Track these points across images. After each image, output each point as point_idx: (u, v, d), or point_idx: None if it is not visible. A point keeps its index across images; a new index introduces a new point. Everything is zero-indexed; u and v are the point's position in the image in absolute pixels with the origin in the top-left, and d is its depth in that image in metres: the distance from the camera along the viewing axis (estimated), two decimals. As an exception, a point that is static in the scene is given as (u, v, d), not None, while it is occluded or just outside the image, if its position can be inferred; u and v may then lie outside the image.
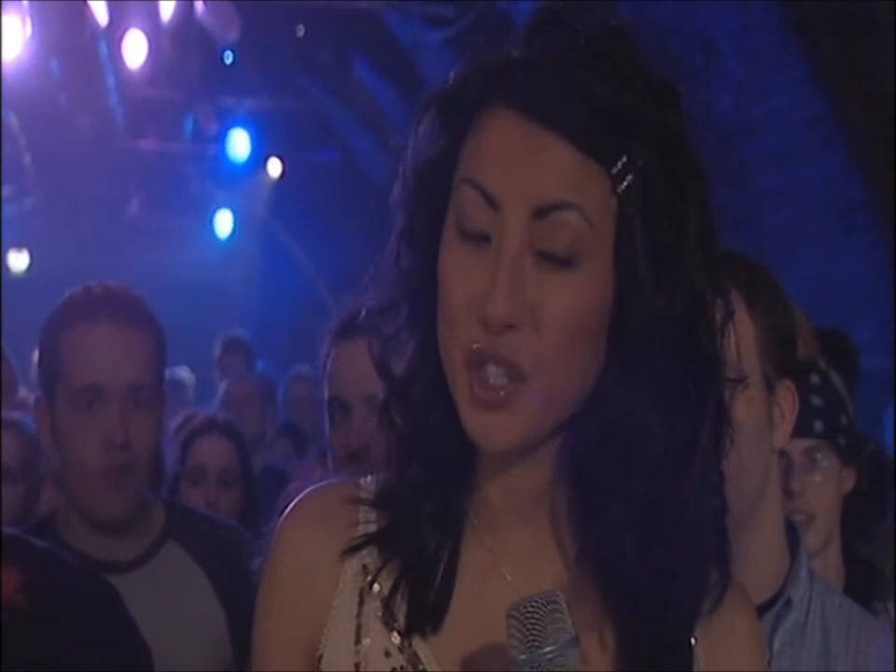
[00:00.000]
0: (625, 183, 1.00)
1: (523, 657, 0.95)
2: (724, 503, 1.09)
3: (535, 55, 1.03)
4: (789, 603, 1.57)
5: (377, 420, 1.10)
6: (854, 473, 2.19)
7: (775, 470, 1.62)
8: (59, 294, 2.16)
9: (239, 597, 1.98)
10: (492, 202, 1.00)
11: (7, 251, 10.31)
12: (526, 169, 0.99)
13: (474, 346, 1.00)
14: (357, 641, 1.06)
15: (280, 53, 8.02)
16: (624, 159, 1.00)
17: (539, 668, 0.95)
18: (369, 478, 1.13)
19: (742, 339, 1.50)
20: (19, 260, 10.72)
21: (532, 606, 0.96)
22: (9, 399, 3.58)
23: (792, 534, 1.64)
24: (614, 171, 1.00)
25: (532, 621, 0.95)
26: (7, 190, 8.53)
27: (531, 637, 0.95)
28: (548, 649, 0.95)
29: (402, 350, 1.08)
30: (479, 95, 1.04)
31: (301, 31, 7.83)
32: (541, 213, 0.99)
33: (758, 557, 1.53)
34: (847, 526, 2.17)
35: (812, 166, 6.26)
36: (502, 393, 1.00)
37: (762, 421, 1.54)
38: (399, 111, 8.17)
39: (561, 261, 0.99)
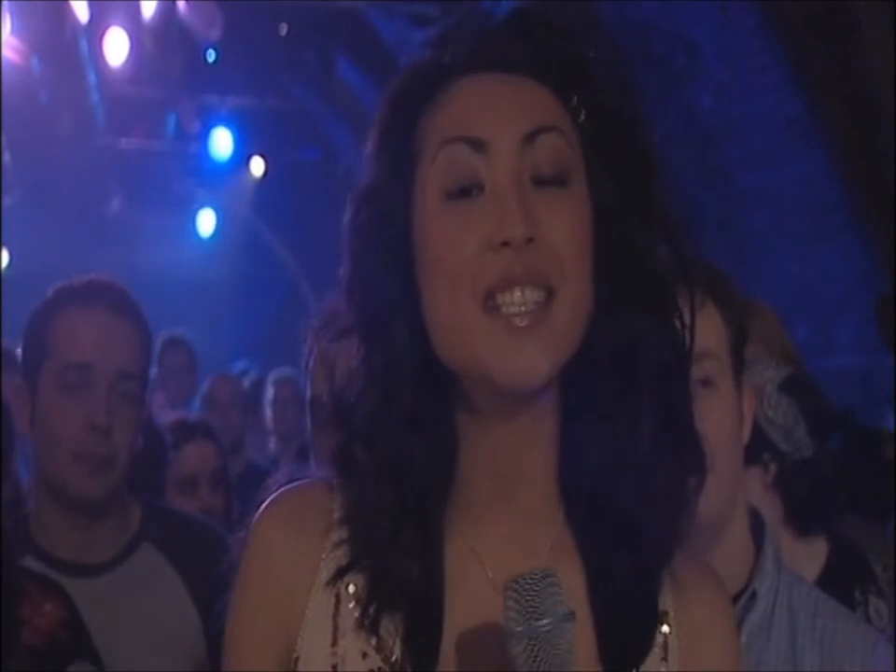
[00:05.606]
0: (582, 116, 1.07)
1: (520, 629, 0.96)
2: (703, 469, 1.11)
3: (484, 30, 1.11)
4: (754, 596, 1.59)
5: (335, 421, 1.11)
6: (773, 470, 2.09)
7: (742, 466, 1.63)
8: (38, 292, 2.15)
9: (215, 599, 1.96)
10: (479, 144, 1.04)
11: (-14, 249, 10.25)
12: (507, 107, 1.06)
13: (506, 274, 1.01)
14: (334, 643, 1.06)
15: (263, 52, 8.00)
16: (578, 96, 1.08)
17: (536, 641, 0.96)
18: None
19: (719, 339, 1.53)
20: (-2, 258, 10.66)
21: (530, 580, 0.97)
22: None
23: (758, 526, 1.65)
24: (572, 105, 1.08)
25: (530, 594, 0.96)
26: (-14, 188, 8.48)
27: (528, 610, 0.96)
28: (545, 621, 0.96)
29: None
30: (434, 80, 1.10)
31: (284, 29, 7.81)
32: (529, 138, 1.05)
33: (727, 553, 1.55)
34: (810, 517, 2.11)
35: (791, 167, 6.29)
36: (535, 311, 1.01)
37: (735, 420, 1.57)
38: (381, 110, 8.14)
39: (556, 182, 1.05)
